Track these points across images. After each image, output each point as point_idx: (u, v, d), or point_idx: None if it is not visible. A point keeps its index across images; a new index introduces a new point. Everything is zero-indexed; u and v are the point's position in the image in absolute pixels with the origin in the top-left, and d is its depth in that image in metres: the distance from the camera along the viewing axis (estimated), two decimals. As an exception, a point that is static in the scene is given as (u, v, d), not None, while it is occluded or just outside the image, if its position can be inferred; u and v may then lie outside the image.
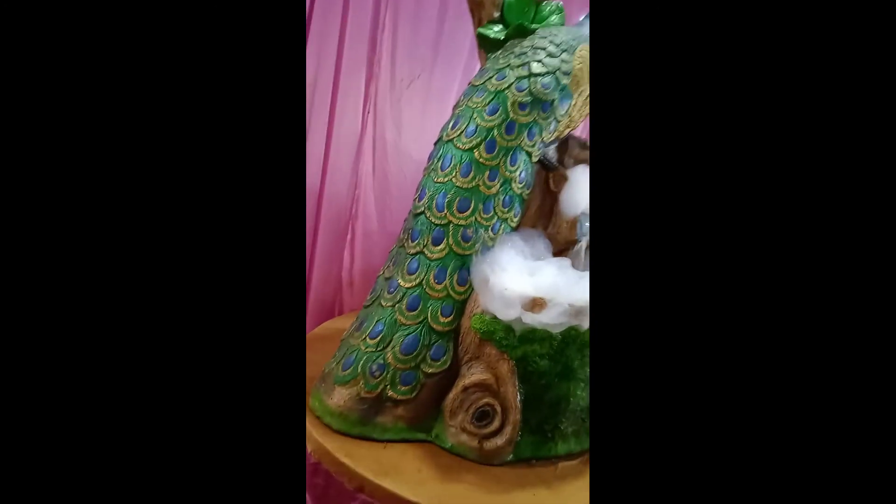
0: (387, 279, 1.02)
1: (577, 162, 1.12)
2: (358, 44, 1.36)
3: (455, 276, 0.98)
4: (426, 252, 0.99)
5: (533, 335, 0.93)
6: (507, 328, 0.94)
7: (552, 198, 1.11)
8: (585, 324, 0.94)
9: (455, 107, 1.06)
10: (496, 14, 1.09)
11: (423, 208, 1.00)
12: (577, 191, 1.08)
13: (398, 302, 0.97)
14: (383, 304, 0.99)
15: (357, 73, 1.39)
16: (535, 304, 0.92)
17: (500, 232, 1.02)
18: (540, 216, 1.12)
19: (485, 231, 1.00)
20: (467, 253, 0.99)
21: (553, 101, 0.99)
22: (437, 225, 0.98)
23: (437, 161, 1.02)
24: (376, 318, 0.98)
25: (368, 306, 1.03)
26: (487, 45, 1.10)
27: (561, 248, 1.11)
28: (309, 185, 1.36)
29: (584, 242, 1.08)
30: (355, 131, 1.43)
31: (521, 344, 0.94)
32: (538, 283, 0.95)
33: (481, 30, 1.08)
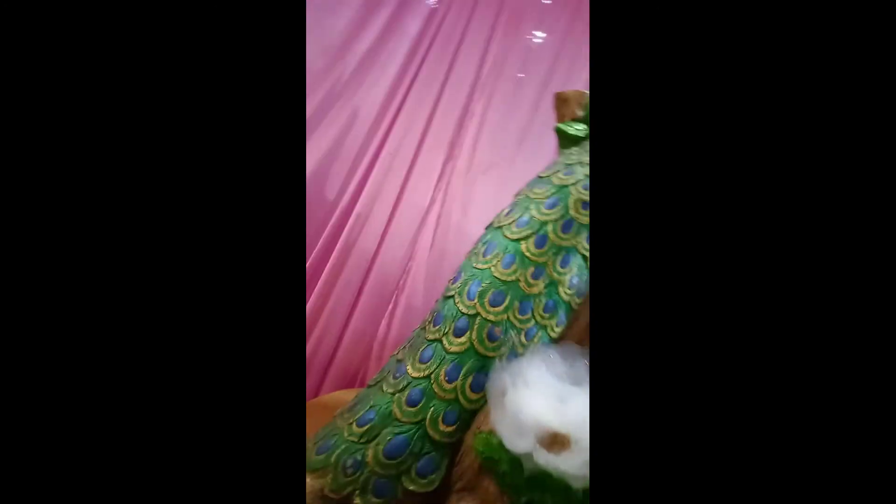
0: (398, 361, 0.90)
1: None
2: (446, 122, 1.38)
3: (470, 379, 0.83)
4: (444, 341, 0.86)
5: (545, 481, 0.73)
6: (515, 462, 0.74)
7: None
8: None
9: (516, 195, 0.98)
10: (580, 113, 1.04)
11: (453, 292, 0.89)
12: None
13: (399, 391, 0.84)
14: (385, 388, 0.86)
15: (438, 151, 1.40)
16: (556, 442, 0.73)
17: (536, 340, 0.86)
18: (588, 333, 0.95)
19: (516, 334, 0.85)
20: (490, 355, 0.84)
21: None
22: (463, 314, 0.86)
23: (482, 246, 0.93)
24: (371, 404, 0.84)
25: (371, 386, 0.91)
26: (565, 142, 1.03)
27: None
28: (365, 248, 1.35)
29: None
30: (423, 205, 1.41)
31: (529, 489, 0.73)
32: (566, 414, 0.76)
33: (561, 126, 1.03)
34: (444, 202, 1.41)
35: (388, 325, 1.40)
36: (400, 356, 0.91)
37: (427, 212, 1.41)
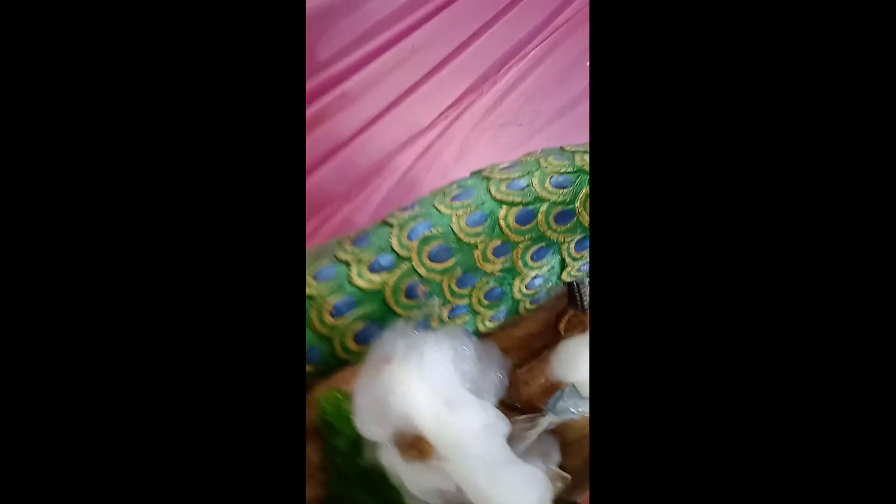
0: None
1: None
2: (491, 49, 1.16)
3: (359, 326, 0.65)
4: (354, 269, 0.67)
5: (376, 483, 0.57)
6: (355, 445, 0.58)
7: (552, 340, 0.78)
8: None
9: (527, 154, 0.79)
10: None
11: (394, 221, 0.70)
12: (582, 358, 0.74)
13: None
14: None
15: (464, 76, 1.19)
16: (415, 447, 0.56)
17: (459, 323, 0.69)
18: (522, 348, 0.79)
19: (440, 305, 0.68)
20: (397, 311, 0.66)
21: None
22: (393, 251, 0.68)
23: (456, 189, 0.73)
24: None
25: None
26: None
27: (511, 406, 0.76)
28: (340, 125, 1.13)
29: (545, 423, 0.72)
30: (418, 125, 1.20)
31: (353, 482, 0.57)
32: (446, 423, 0.59)
33: None
34: (443, 134, 1.20)
35: (316, 229, 1.20)
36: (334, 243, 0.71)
37: (419, 134, 1.19)
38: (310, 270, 0.69)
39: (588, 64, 1.32)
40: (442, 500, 0.54)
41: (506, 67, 1.22)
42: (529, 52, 1.21)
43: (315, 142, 1.19)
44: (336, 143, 1.21)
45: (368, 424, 0.56)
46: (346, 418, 0.58)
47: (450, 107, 1.21)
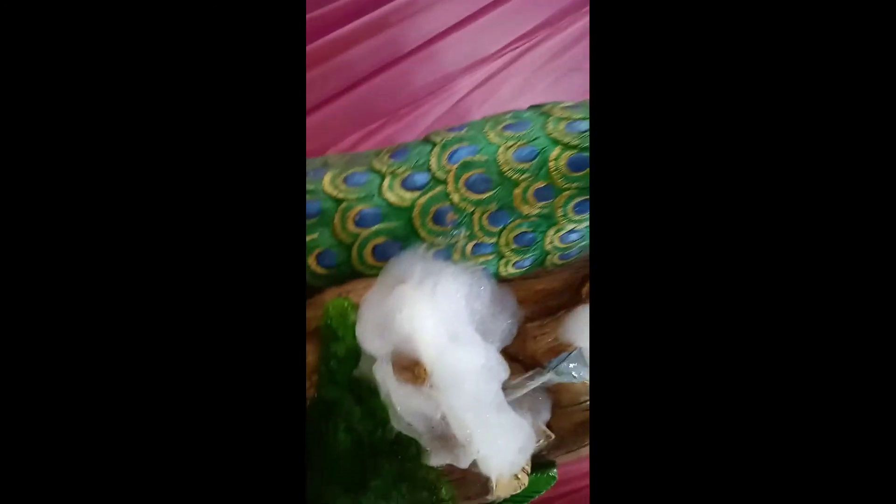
0: (324, 164, 0.69)
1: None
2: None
3: (380, 241, 0.63)
4: (387, 182, 0.64)
5: (367, 394, 0.57)
6: (351, 353, 0.57)
7: (569, 302, 0.75)
8: (437, 459, 0.57)
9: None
10: None
11: (438, 139, 0.66)
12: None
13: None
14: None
15: (542, 8, 1.08)
16: (410, 370, 0.56)
17: (479, 262, 0.66)
18: (538, 303, 0.76)
19: (466, 237, 0.65)
20: (420, 234, 0.64)
21: None
22: (429, 170, 0.64)
23: (511, 119, 0.68)
24: None
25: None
26: None
27: (514, 357, 0.74)
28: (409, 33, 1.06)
29: (543, 380, 0.70)
30: (484, 50, 1.11)
31: (346, 389, 0.57)
32: (446, 353, 0.58)
33: None
34: (506, 67, 1.11)
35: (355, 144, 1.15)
36: (331, 159, 0.69)
37: (482, 62, 1.11)
38: (342, 175, 0.66)
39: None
40: (425, 425, 0.53)
41: (585, 9, 1.10)
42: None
43: (371, 49, 1.12)
44: (394, 54, 1.14)
45: (370, 337, 0.55)
46: (349, 327, 0.58)
47: (520, 38, 1.11)
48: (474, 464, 0.55)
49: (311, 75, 1.05)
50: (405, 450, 0.55)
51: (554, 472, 0.75)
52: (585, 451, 0.76)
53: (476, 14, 1.12)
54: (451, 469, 0.56)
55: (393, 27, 1.11)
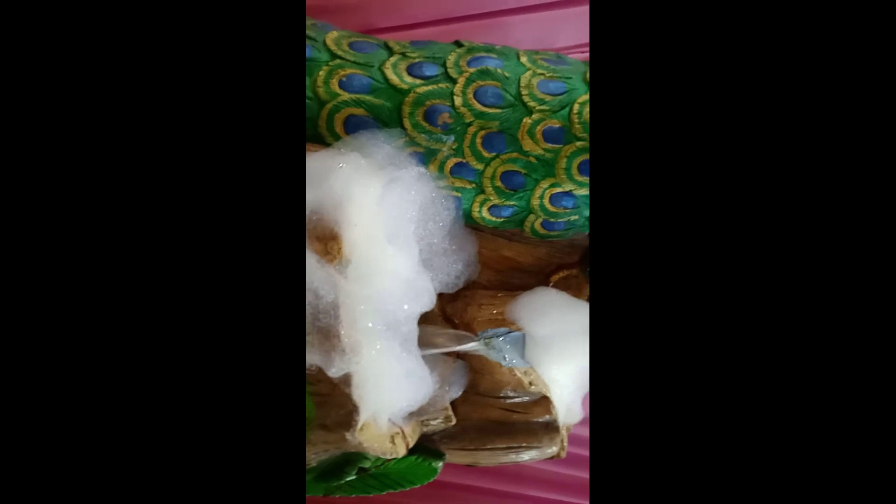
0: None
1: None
2: None
3: (354, 104, 0.54)
4: (392, 62, 0.56)
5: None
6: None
7: (533, 281, 0.65)
8: (309, 356, 0.46)
9: None
10: None
11: (465, 45, 0.58)
12: (559, 319, 0.61)
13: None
14: None
15: None
16: (323, 241, 0.46)
17: (456, 184, 0.58)
18: (500, 271, 0.66)
19: (452, 150, 0.56)
20: (406, 128, 0.55)
21: None
22: (441, 66, 0.56)
23: (553, 56, 0.60)
24: None
25: None
26: None
27: (450, 318, 0.64)
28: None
29: (469, 346, 0.59)
30: (549, 33, 1.06)
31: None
32: (374, 243, 0.48)
33: None
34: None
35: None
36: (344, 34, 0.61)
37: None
38: (349, 38, 0.59)
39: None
40: (314, 307, 0.43)
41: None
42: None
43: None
44: (456, 13, 1.09)
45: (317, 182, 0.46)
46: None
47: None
48: (347, 384, 0.45)
49: None
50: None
51: (439, 465, 0.63)
52: (483, 456, 0.64)
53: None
54: (320, 378, 0.45)
55: None
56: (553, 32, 1.07)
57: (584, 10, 1.08)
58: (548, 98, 0.54)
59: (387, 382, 0.47)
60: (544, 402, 0.62)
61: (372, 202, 0.49)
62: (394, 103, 0.55)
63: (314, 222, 0.45)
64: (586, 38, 1.09)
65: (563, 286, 0.64)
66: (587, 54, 1.11)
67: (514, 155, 0.54)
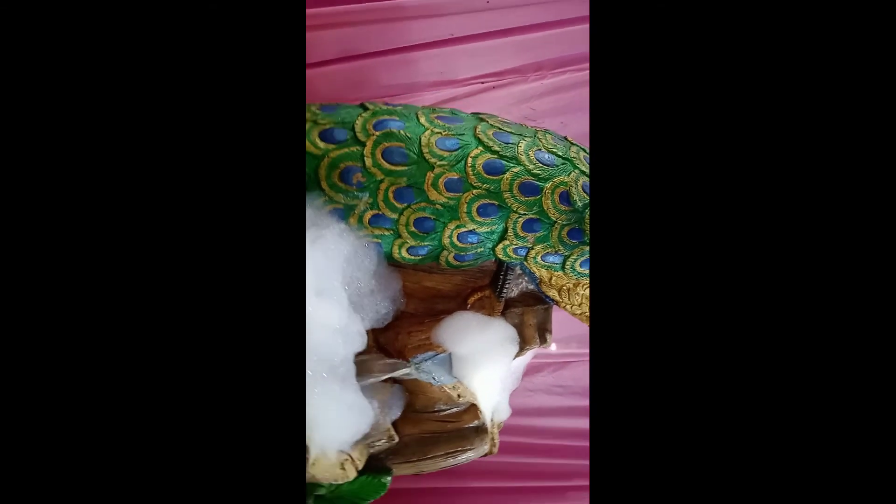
0: None
1: (518, 328, 0.76)
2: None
3: None
4: (316, 131, 0.62)
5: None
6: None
7: (453, 306, 0.74)
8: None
9: (535, 126, 0.75)
10: None
11: (370, 106, 0.66)
12: (477, 336, 0.70)
13: None
14: None
15: (516, 57, 1.15)
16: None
17: (375, 232, 0.65)
18: (423, 300, 0.74)
19: (366, 205, 0.63)
20: (323, 187, 0.62)
21: (586, 245, 0.67)
22: (353, 131, 0.63)
23: (447, 112, 0.70)
24: None
25: None
26: None
27: (384, 347, 0.71)
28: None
29: (401, 372, 0.67)
30: (455, 73, 1.16)
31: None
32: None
33: None
34: (471, 96, 1.16)
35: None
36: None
37: (450, 83, 1.15)
38: None
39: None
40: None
41: (560, 70, 1.20)
42: (585, 68, 1.19)
43: (329, 39, 1.13)
44: (361, 50, 1.16)
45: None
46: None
47: (491, 75, 1.17)
48: (295, 426, 0.51)
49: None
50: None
51: (387, 479, 0.70)
52: (425, 465, 0.72)
53: (458, 40, 1.18)
54: (268, 426, 0.51)
55: (380, 23, 1.14)
56: (455, 66, 1.17)
57: (483, 45, 1.19)
58: (446, 154, 0.63)
59: (330, 420, 0.53)
60: (473, 409, 0.71)
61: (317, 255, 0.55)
62: (311, 167, 0.61)
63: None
64: (485, 70, 1.21)
65: (478, 307, 0.74)
66: (486, 84, 1.22)
67: (423, 204, 0.63)
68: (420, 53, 1.15)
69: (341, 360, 0.54)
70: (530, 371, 1.34)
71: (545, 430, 1.37)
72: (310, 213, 0.58)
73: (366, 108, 0.66)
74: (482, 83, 1.19)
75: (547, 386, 1.37)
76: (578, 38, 1.20)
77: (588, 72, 1.23)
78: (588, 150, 0.73)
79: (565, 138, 0.73)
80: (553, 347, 1.36)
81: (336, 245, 0.58)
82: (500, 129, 0.67)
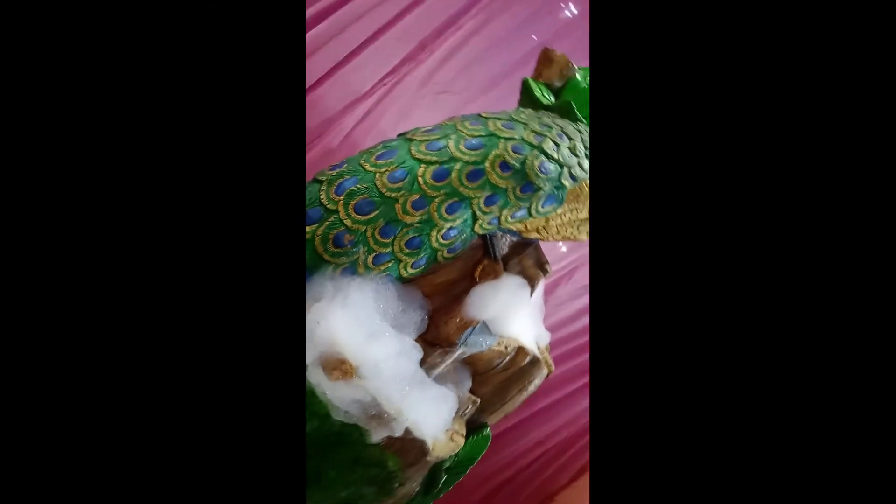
0: None
1: (521, 274, 0.91)
2: (427, 20, 1.22)
3: None
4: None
5: (308, 397, 0.66)
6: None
7: (467, 285, 0.89)
8: (377, 435, 0.67)
9: (449, 119, 0.87)
10: (557, 84, 0.94)
11: (324, 178, 0.78)
12: (496, 298, 0.86)
13: None
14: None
15: (402, 44, 1.24)
16: (338, 368, 0.66)
17: (382, 269, 0.78)
18: (442, 293, 0.89)
19: (365, 253, 0.76)
20: (327, 259, 0.75)
21: (539, 190, 0.81)
22: (322, 205, 0.75)
23: (382, 149, 0.81)
24: None
25: None
26: (525, 99, 0.93)
27: (432, 343, 0.87)
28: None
29: (457, 354, 0.83)
30: (357, 91, 1.24)
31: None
32: (367, 350, 0.69)
33: (530, 80, 0.93)
34: (381, 101, 1.25)
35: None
36: None
37: (359, 100, 1.24)
38: None
39: (534, 37, 1.40)
40: (360, 410, 0.64)
41: (442, 37, 1.28)
42: (466, 21, 1.27)
43: None
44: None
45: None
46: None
47: (388, 74, 1.26)
48: (409, 431, 0.67)
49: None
50: (349, 436, 0.65)
51: (487, 431, 0.88)
52: (508, 406, 0.90)
53: (345, 59, 1.25)
54: (391, 442, 0.67)
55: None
56: (355, 84, 1.25)
57: (366, 53, 1.27)
58: (399, 184, 0.75)
59: (428, 414, 0.69)
60: (521, 350, 0.88)
61: (343, 323, 0.69)
62: (309, 250, 0.73)
63: (324, 361, 0.65)
64: (381, 74, 1.29)
65: (483, 275, 0.88)
66: (388, 84, 1.31)
67: (404, 230, 0.76)
68: (320, 89, 1.23)
69: (413, 372, 0.69)
70: (549, 289, 1.51)
71: (586, 328, 1.56)
72: (328, 285, 0.71)
73: (320, 181, 0.77)
74: (384, 85, 1.28)
75: (569, 293, 1.55)
76: (439, 4, 1.27)
77: (471, 21, 1.30)
78: (504, 113, 0.85)
79: (479, 115, 0.85)
80: (563, 249, 1.51)
81: (361, 294, 0.72)
82: (428, 139, 0.79)
